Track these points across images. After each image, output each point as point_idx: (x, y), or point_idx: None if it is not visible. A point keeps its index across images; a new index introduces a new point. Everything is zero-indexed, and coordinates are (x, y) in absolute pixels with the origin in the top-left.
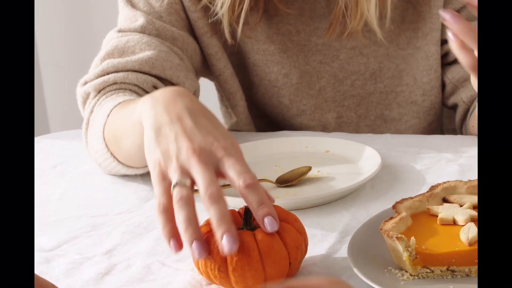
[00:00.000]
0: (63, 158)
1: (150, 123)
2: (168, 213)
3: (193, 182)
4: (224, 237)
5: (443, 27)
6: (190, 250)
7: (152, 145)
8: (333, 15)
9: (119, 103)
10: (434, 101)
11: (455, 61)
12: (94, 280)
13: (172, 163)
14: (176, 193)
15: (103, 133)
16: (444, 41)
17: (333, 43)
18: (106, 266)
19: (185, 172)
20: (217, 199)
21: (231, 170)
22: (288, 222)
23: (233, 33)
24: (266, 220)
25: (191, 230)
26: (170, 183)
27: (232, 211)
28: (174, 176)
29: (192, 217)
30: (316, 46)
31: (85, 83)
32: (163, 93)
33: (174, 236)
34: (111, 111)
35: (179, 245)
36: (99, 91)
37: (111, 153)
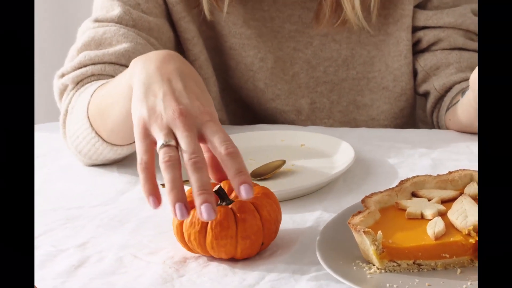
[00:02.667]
0: (43, 151)
1: (140, 80)
2: (149, 171)
3: (177, 143)
4: (203, 206)
5: (414, 14)
6: (171, 211)
7: (139, 100)
8: (324, 5)
9: (102, 84)
10: (405, 87)
11: (427, 49)
12: (66, 272)
13: (157, 121)
14: (163, 153)
15: (87, 112)
16: (415, 28)
17: (306, 30)
18: (79, 258)
19: (170, 132)
20: (201, 167)
21: (215, 137)
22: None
23: (211, 11)
24: (242, 187)
25: (175, 191)
26: (153, 141)
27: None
28: (158, 135)
29: (178, 179)
30: (289, 33)
31: (63, 75)
32: (156, 54)
33: (153, 193)
34: (94, 91)
35: (158, 202)
36: (77, 83)
37: (96, 132)
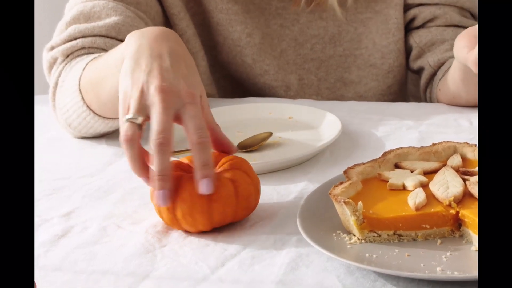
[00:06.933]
0: None
1: (131, 54)
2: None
3: (146, 119)
4: (158, 193)
5: None
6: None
7: (126, 74)
8: None
9: (94, 58)
10: (392, 64)
11: (422, 26)
12: (50, 242)
13: (137, 95)
14: (124, 129)
15: (79, 85)
16: (410, 6)
17: (293, 7)
18: (63, 228)
19: (142, 109)
20: (164, 150)
21: (190, 122)
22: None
23: None
24: (204, 181)
25: (135, 171)
26: None
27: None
28: (131, 110)
29: (136, 157)
30: (276, 10)
31: (52, 48)
32: (152, 30)
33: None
34: (86, 64)
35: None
36: (67, 56)
37: (87, 106)
